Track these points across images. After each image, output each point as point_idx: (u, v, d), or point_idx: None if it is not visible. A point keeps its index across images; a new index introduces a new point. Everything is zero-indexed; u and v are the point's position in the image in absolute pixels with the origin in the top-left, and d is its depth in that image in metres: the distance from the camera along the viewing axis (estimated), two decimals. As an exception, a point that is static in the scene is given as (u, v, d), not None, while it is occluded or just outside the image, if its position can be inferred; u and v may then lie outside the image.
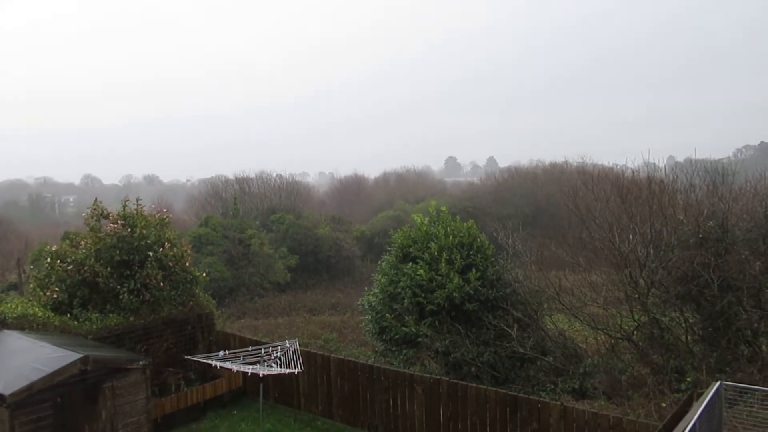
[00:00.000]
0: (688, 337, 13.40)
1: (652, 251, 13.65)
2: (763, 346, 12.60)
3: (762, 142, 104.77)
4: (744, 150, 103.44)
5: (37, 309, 12.62)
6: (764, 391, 8.85)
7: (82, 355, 9.63)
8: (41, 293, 13.43)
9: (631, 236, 14.09)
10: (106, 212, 14.26)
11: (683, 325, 13.46)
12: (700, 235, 13.17)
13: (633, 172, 19.18)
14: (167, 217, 15.18)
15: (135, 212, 14.41)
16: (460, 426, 11.25)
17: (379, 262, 16.82)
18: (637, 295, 13.63)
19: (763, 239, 12.74)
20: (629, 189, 15.54)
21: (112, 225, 13.85)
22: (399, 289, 14.91)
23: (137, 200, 14.86)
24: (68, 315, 13.03)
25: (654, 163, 22.49)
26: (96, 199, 14.90)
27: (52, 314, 12.69)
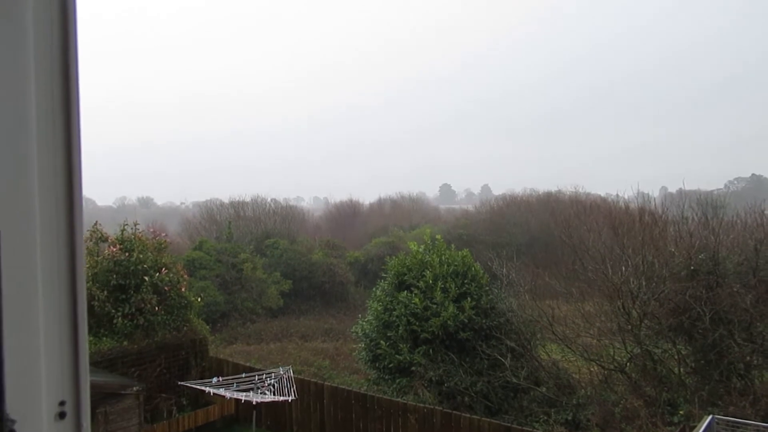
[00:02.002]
0: (681, 370, 13.46)
1: (644, 283, 13.78)
2: (756, 380, 12.67)
3: (753, 174, 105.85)
4: (735, 182, 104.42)
5: (30, 332, 12.57)
6: (756, 425, 8.91)
7: (75, 380, 9.60)
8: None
9: (623, 268, 14.22)
10: (105, 236, 14.31)
11: (676, 357, 13.53)
12: (692, 267, 13.33)
13: (625, 204, 19.45)
14: (164, 241, 15.23)
15: (132, 236, 14.47)
16: (453, 456, 11.22)
17: (374, 289, 16.86)
18: (629, 327, 13.71)
19: (753, 272, 12.91)
20: (621, 221, 15.76)
21: (111, 249, 13.90)
22: (394, 317, 14.94)
23: (135, 224, 14.92)
24: (62, 338, 12.96)
25: (647, 194, 22.84)
26: (96, 222, 14.93)
27: (46, 337, 12.64)
